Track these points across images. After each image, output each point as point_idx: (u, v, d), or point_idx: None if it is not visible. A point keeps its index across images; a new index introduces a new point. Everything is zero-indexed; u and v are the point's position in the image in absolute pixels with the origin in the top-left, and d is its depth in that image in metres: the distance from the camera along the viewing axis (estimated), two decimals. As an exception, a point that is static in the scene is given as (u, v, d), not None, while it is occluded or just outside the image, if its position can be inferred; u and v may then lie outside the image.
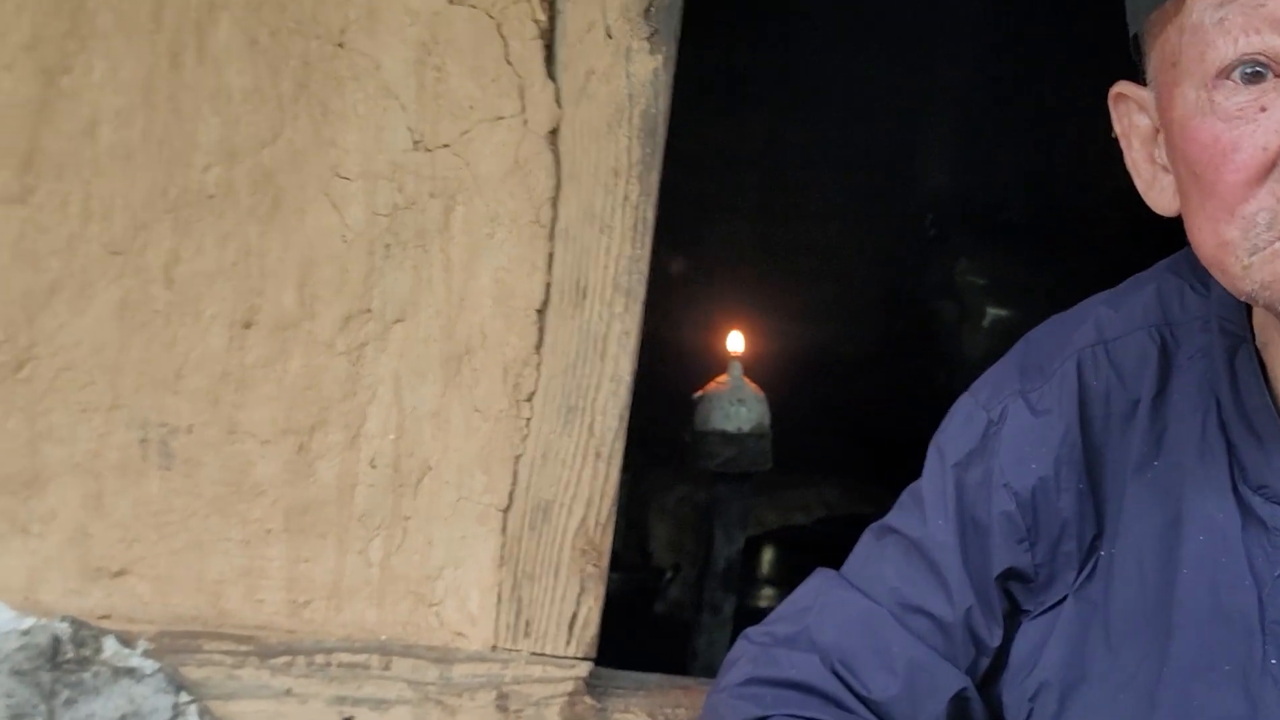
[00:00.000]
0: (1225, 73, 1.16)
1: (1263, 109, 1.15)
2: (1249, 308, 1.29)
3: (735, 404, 2.72)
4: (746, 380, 2.78)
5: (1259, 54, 1.14)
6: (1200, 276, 1.33)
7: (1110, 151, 5.39)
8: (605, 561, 1.85)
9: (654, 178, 1.83)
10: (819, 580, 1.48)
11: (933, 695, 1.37)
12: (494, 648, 1.86)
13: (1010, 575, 1.37)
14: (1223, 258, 1.19)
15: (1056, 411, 1.35)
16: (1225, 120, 1.16)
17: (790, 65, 5.18)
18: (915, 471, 5.30)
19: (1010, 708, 1.37)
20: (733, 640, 3.51)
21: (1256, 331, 1.30)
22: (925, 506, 1.40)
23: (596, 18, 1.81)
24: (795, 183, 5.26)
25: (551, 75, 1.82)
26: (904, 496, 1.45)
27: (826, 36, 5.17)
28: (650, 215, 1.83)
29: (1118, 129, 1.31)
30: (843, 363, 5.29)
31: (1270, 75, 1.15)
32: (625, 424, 1.85)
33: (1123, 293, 1.39)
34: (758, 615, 4.41)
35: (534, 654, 1.86)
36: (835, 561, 5.31)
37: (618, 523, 1.86)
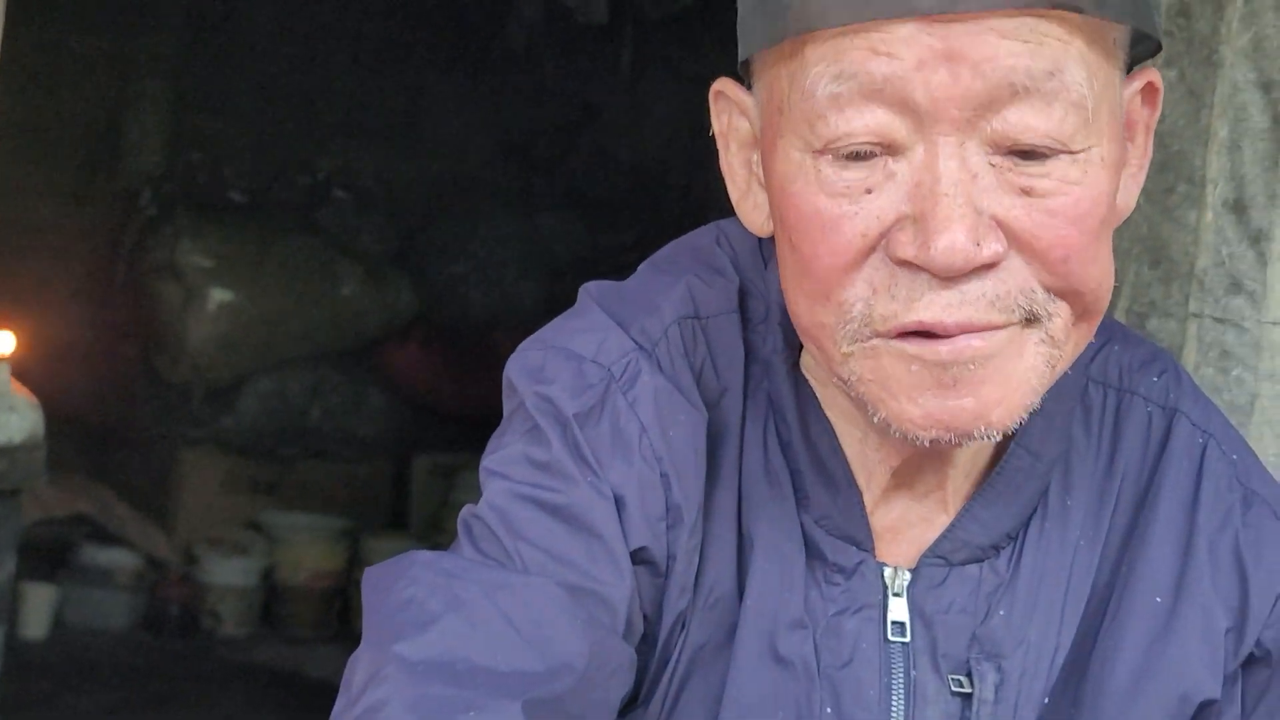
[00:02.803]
0: (834, 148, 1.05)
1: (868, 190, 1.05)
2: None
3: (5, 412, 2.38)
4: (16, 385, 2.44)
5: (871, 139, 1.04)
6: (754, 274, 1.21)
7: (327, 133, 5.22)
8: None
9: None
10: (445, 565, 1.12)
11: (616, 675, 1.11)
12: None
13: (640, 558, 1.14)
14: (820, 337, 1.10)
15: (683, 381, 1.18)
16: (830, 196, 1.06)
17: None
18: (135, 462, 4.89)
19: None
20: (39, 649, 3.08)
21: (810, 363, 1.19)
22: (561, 466, 1.13)
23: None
24: None
25: None
26: (509, 469, 1.14)
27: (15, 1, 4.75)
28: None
29: (716, 127, 1.17)
30: (49, 352, 4.90)
31: (879, 155, 1.05)
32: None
33: (707, 268, 1.22)
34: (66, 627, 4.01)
35: None
36: (52, 573, 4.77)
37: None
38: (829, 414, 1.18)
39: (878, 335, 1.07)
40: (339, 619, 4.85)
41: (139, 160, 5.03)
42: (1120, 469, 1.22)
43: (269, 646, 4.67)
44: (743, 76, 1.15)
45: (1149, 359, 1.24)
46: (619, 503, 1.13)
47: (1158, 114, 1.15)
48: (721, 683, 1.17)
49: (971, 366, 1.05)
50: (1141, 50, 1.12)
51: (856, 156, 1.05)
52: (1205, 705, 1.18)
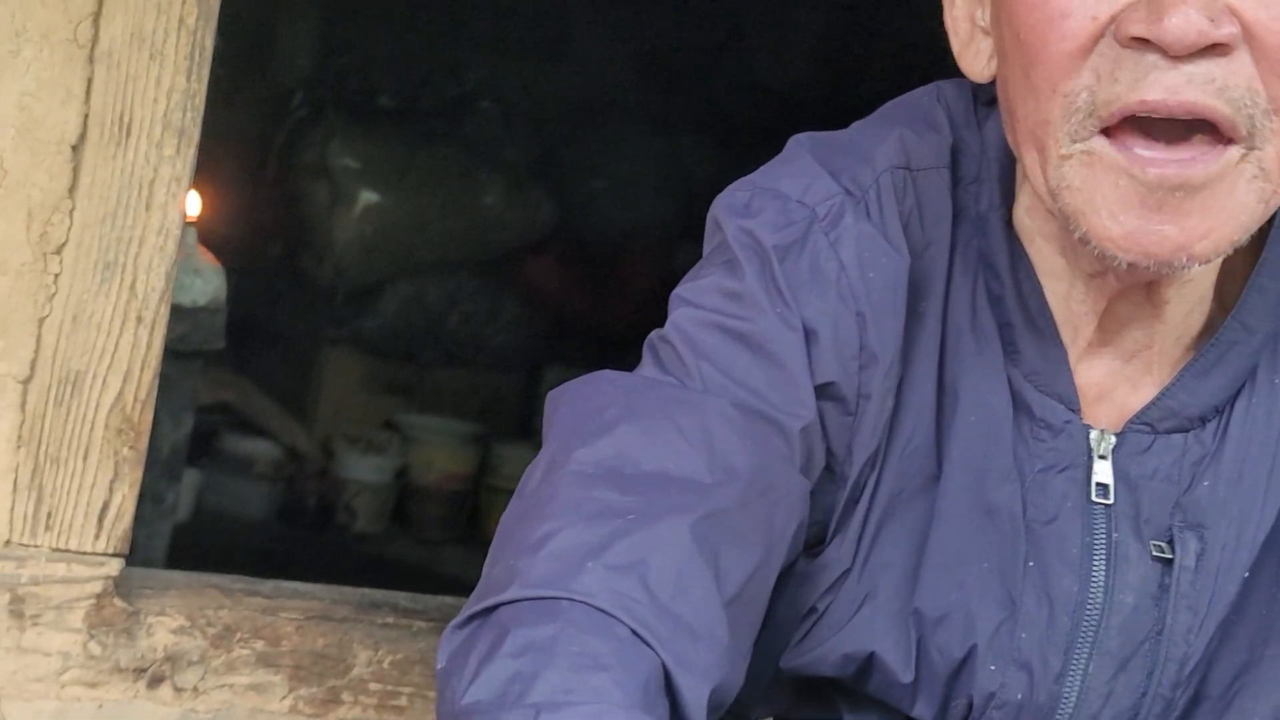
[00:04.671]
0: None
1: None
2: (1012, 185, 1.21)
3: (190, 275, 2.46)
4: (202, 249, 2.52)
5: None
6: (968, 133, 1.24)
7: (476, 43, 5.27)
8: (144, 443, 1.60)
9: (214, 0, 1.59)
10: (627, 382, 1.15)
11: (784, 502, 1.13)
12: (7, 543, 1.58)
13: (827, 394, 1.16)
14: (1042, 138, 1.11)
15: (890, 227, 1.20)
16: None
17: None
18: (277, 357, 5.00)
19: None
20: (182, 531, 3.18)
21: (1020, 216, 1.22)
22: (753, 296, 1.16)
23: None
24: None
25: None
26: (700, 297, 1.17)
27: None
28: (209, 44, 1.60)
29: None
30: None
31: None
32: (172, 284, 1.61)
33: (921, 123, 1.25)
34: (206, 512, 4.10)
35: (56, 550, 1.60)
36: (195, 458, 4.81)
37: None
38: (1037, 270, 1.20)
39: (1100, 132, 1.08)
40: (468, 521, 4.94)
41: (292, 63, 5.11)
42: None
43: (399, 544, 4.76)
44: None
45: None
46: (810, 336, 1.15)
47: None
48: (922, 531, 1.19)
49: (1179, 194, 1.06)
50: None
51: None
52: None
